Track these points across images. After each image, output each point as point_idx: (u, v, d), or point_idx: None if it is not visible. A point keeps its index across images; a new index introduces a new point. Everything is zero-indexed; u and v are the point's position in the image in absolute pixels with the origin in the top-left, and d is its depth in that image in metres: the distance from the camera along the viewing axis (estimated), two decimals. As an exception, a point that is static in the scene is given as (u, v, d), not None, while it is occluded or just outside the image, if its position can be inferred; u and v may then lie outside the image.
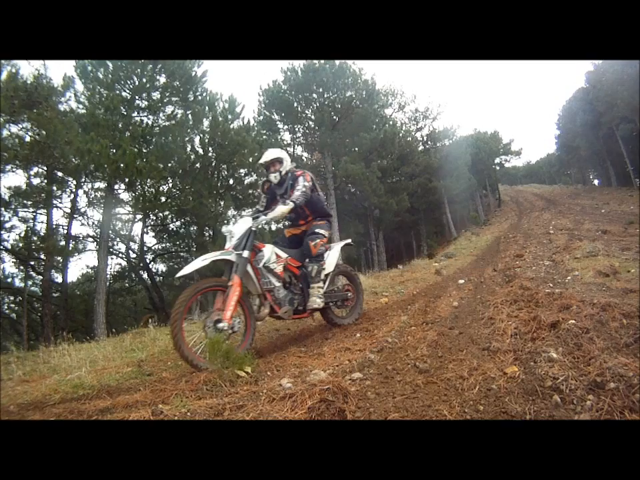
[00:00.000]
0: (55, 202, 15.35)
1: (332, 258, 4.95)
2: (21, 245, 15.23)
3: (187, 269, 3.77)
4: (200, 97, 15.62)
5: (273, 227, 15.78)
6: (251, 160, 14.69)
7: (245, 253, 3.92)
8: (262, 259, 4.16)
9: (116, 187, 14.43)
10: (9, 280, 16.82)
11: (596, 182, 48.90)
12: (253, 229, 4.11)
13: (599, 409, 1.85)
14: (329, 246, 5.04)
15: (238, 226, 4.12)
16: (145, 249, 19.49)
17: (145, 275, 19.24)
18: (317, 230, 4.79)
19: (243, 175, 15.98)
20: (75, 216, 16.39)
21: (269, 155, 4.78)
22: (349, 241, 5.77)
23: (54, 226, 15.84)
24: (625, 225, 12.83)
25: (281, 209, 4.29)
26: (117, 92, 13.84)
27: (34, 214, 15.62)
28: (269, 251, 4.26)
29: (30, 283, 17.05)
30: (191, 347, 3.46)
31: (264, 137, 17.51)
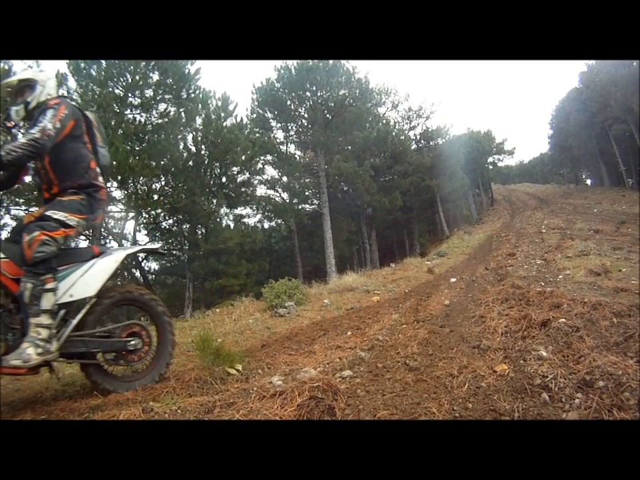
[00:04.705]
0: (46, 199, 15.19)
1: (92, 274, 2.74)
2: (12, 243, 15.11)
3: None
4: (193, 95, 15.53)
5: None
6: (243, 158, 14.69)
7: None
8: None
9: (108, 184, 14.34)
10: (1, 278, 16.66)
11: (588, 182, 49.20)
12: None
13: (587, 407, 1.86)
14: (99, 249, 2.91)
15: None
16: (138, 247, 19.43)
17: (137, 274, 19.18)
18: (49, 212, 2.61)
19: (235, 172, 16.00)
20: (67, 214, 16.20)
21: (17, 75, 2.87)
22: (156, 246, 3.52)
23: (46, 224, 15.66)
24: (617, 224, 12.92)
25: None
26: (110, 89, 13.72)
27: (26, 212, 15.50)
28: None
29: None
30: None
31: (257, 134, 17.50)
